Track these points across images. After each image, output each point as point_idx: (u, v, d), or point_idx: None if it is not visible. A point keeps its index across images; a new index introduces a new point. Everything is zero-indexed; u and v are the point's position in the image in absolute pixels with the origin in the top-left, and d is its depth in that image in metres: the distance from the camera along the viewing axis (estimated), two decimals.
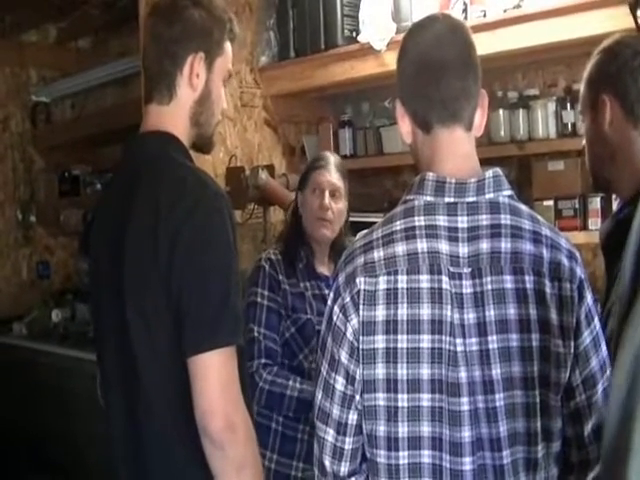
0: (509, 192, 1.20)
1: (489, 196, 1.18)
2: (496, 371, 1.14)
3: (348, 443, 1.19)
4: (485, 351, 1.14)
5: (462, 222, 1.17)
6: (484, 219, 1.17)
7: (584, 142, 1.47)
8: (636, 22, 1.27)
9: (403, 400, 1.15)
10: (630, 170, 1.38)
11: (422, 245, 1.16)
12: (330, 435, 1.20)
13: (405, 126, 1.24)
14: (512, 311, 1.14)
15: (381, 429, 1.16)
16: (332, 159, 2.11)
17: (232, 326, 1.28)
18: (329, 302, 1.22)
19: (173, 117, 1.41)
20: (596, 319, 1.20)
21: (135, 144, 1.45)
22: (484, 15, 2.35)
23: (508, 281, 1.15)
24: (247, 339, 1.65)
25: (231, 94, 2.88)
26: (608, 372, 1.19)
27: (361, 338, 1.16)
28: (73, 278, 4.38)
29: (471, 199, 1.17)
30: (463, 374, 1.13)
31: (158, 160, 1.37)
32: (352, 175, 2.38)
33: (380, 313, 1.15)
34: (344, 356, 1.18)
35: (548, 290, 1.16)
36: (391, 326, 1.15)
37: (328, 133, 3.01)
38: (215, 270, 1.28)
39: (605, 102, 1.37)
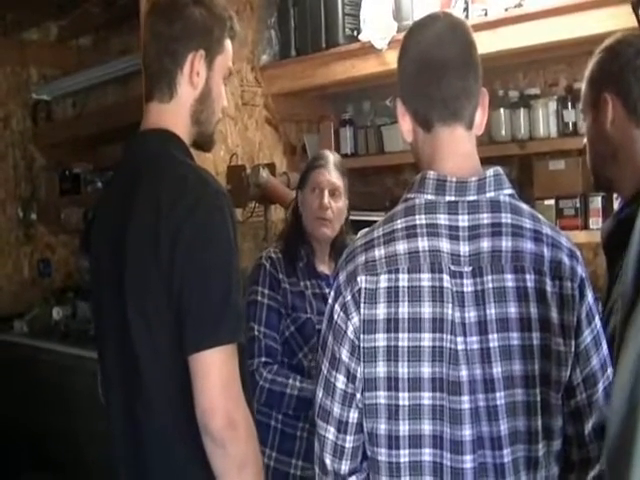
0: (510, 191, 1.20)
1: (490, 195, 1.18)
2: (497, 369, 1.14)
3: (349, 441, 1.19)
4: (486, 349, 1.14)
5: (463, 221, 1.17)
6: (485, 218, 1.17)
7: (585, 141, 1.47)
8: (639, 21, 1.27)
9: (404, 398, 1.15)
10: (632, 169, 1.38)
11: (423, 243, 1.16)
12: (331, 433, 1.20)
13: (406, 125, 1.24)
14: (513, 310, 1.15)
15: (382, 427, 1.16)
16: (331, 158, 2.11)
17: (233, 324, 1.28)
18: (330, 300, 1.22)
19: (174, 115, 1.41)
20: (597, 318, 1.20)
21: (136, 142, 1.45)
22: (485, 14, 2.35)
23: (509, 280, 1.15)
24: (247, 338, 1.65)
25: (232, 93, 2.88)
26: (609, 371, 1.20)
27: (362, 336, 1.16)
28: (74, 276, 4.39)
29: (472, 198, 1.18)
30: (464, 372, 1.14)
31: (159, 158, 1.37)
32: (353, 174, 2.38)
33: (381, 311, 1.15)
34: (345, 354, 1.18)
35: (549, 289, 1.16)
36: (392, 324, 1.15)
37: (329, 132, 3.01)
38: (216, 268, 1.28)
39: (607, 101, 1.37)
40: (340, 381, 1.18)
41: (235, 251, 1.32)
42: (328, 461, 1.21)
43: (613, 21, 1.98)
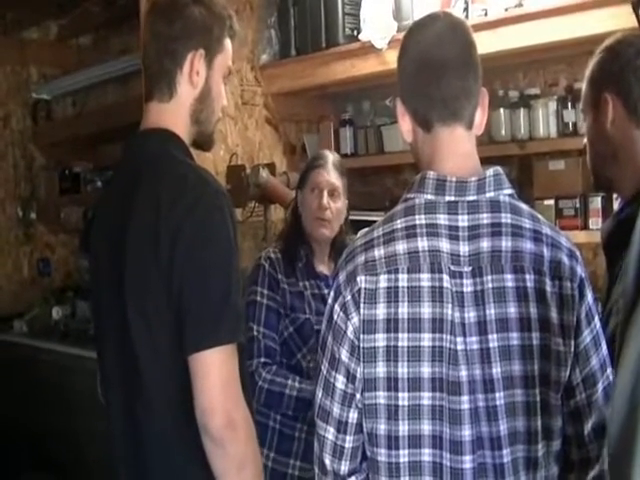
0: (510, 191, 1.20)
1: (490, 195, 1.18)
2: (496, 370, 1.14)
3: (348, 441, 1.19)
4: (485, 350, 1.14)
5: (463, 221, 1.17)
6: (485, 218, 1.17)
7: (585, 141, 1.47)
8: (639, 21, 1.27)
9: (404, 398, 1.15)
10: (632, 169, 1.38)
11: (423, 244, 1.16)
12: (330, 433, 1.20)
13: (406, 125, 1.24)
14: (512, 310, 1.15)
15: (381, 427, 1.16)
16: (330, 158, 2.11)
17: (233, 324, 1.28)
18: (330, 300, 1.22)
19: (173, 115, 1.41)
20: (596, 318, 1.20)
21: (136, 142, 1.45)
22: (485, 14, 2.35)
23: (509, 280, 1.15)
24: (246, 338, 1.65)
25: (232, 92, 2.88)
26: (608, 371, 1.20)
27: (362, 336, 1.16)
28: (74, 275, 4.38)
29: (472, 198, 1.17)
30: (463, 372, 1.14)
31: (159, 158, 1.37)
32: (353, 174, 2.38)
33: (381, 311, 1.15)
34: (345, 354, 1.18)
35: (548, 289, 1.16)
36: (392, 324, 1.15)
37: (329, 132, 3.01)
38: (216, 267, 1.28)
39: (607, 101, 1.37)
40: (340, 381, 1.18)
41: (235, 251, 1.32)
42: (327, 461, 1.21)
43: (613, 21, 1.98)
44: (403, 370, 1.14)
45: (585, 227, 2.30)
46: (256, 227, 2.81)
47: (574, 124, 2.34)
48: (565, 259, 1.18)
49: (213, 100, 1.44)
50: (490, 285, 1.15)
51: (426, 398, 1.14)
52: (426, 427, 1.15)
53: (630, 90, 1.36)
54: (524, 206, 1.21)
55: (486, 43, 2.02)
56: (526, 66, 2.63)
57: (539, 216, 1.22)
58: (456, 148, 1.21)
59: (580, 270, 1.19)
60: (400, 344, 1.14)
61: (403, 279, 1.15)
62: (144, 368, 1.32)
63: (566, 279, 1.17)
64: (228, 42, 1.44)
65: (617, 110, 1.37)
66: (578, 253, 1.21)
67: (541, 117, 2.41)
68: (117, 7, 3.81)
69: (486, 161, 1.23)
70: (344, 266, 1.21)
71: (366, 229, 1.26)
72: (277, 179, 2.70)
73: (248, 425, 1.29)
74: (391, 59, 2.38)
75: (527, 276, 1.15)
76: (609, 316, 1.33)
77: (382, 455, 1.17)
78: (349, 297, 1.18)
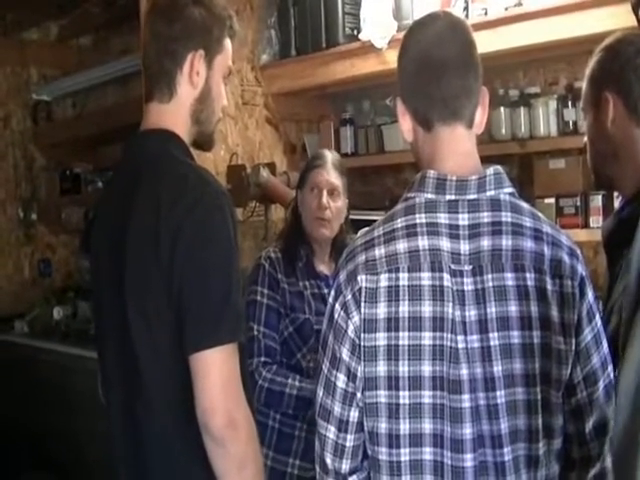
0: (510, 190, 1.20)
1: (490, 193, 1.18)
2: (497, 368, 1.14)
3: (349, 440, 1.19)
4: (486, 348, 1.14)
5: (463, 219, 1.17)
6: (485, 216, 1.17)
7: (586, 140, 1.47)
8: (639, 21, 1.27)
9: (404, 397, 1.15)
10: (633, 168, 1.38)
11: (423, 242, 1.16)
12: (331, 432, 1.20)
13: (406, 124, 1.25)
14: (513, 308, 1.15)
15: (382, 426, 1.16)
16: (330, 157, 2.11)
17: (233, 323, 1.28)
18: (330, 300, 1.22)
19: (174, 115, 1.41)
20: (597, 316, 1.20)
21: (136, 142, 1.45)
22: (485, 13, 2.35)
23: (509, 278, 1.15)
24: (247, 337, 1.65)
25: (232, 92, 2.88)
26: (609, 369, 1.20)
27: (362, 335, 1.16)
28: (74, 276, 4.38)
29: (472, 196, 1.18)
30: (464, 371, 1.14)
31: (159, 158, 1.37)
32: (353, 173, 2.38)
33: (381, 310, 1.15)
34: (345, 353, 1.18)
35: (549, 287, 1.16)
36: (392, 323, 1.15)
37: (329, 131, 3.01)
38: (216, 267, 1.28)
39: (608, 100, 1.37)
40: (341, 380, 1.18)
41: (235, 250, 1.32)
42: (329, 460, 1.21)
43: (613, 20, 1.98)
44: (404, 369, 1.14)
45: (586, 225, 2.30)
46: (256, 227, 2.81)
47: (574, 123, 2.35)
48: (566, 257, 1.18)
49: (213, 100, 1.44)
50: (491, 283, 1.15)
51: (427, 397, 1.14)
52: (427, 425, 1.15)
53: (630, 89, 1.36)
54: (524, 205, 1.21)
55: (486, 42, 2.02)
56: (526, 65, 2.63)
57: (539, 214, 1.23)
58: (456, 147, 1.21)
59: (581, 268, 1.19)
60: (401, 343, 1.14)
61: (404, 278, 1.15)
62: (144, 368, 1.32)
63: (567, 277, 1.17)
64: (228, 42, 1.45)
65: (617, 109, 1.37)
66: (579, 251, 1.21)
67: (541, 116, 2.41)
68: (117, 8, 3.81)
69: (486, 160, 1.23)
70: (345, 265, 1.21)
71: (366, 228, 1.26)
72: (277, 179, 2.70)
73: (249, 424, 1.29)
74: (391, 59, 2.38)
75: (528, 275, 1.15)
76: (610, 314, 1.33)
77: (383, 454, 1.17)
78: (350, 296, 1.18)
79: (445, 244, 1.16)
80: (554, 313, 1.16)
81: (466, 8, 2.40)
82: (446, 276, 1.15)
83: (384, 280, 1.16)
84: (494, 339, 1.14)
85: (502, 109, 2.47)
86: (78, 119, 4.33)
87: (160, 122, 1.41)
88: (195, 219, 1.28)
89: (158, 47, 1.40)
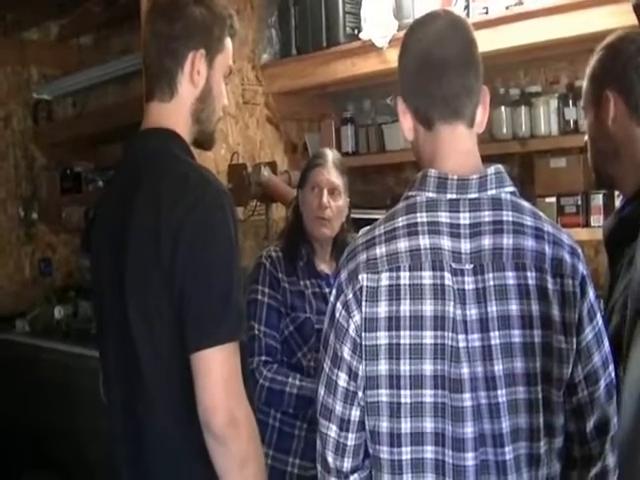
0: (511, 188, 1.20)
1: (491, 192, 1.18)
2: (498, 367, 1.14)
3: (351, 439, 1.20)
4: (487, 347, 1.14)
5: (464, 218, 1.17)
6: (486, 215, 1.17)
7: (586, 139, 1.47)
8: None
9: (406, 396, 1.15)
10: (634, 167, 1.38)
11: (424, 241, 1.16)
12: (333, 431, 1.20)
13: (407, 123, 1.25)
14: (514, 307, 1.15)
15: (384, 425, 1.16)
16: (330, 156, 2.11)
17: (234, 322, 1.29)
18: (331, 299, 1.22)
19: (174, 114, 1.41)
20: (598, 315, 1.20)
21: (137, 141, 1.45)
22: (486, 12, 2.35)
23: (510, 277, 1.15)
24: (247, 336, 1.65)
25: (233, 91, 2.88)
26: (610, 368, 1.20)
27: (364, 334, 1.16)
28: (75, 275, 4.39)
29: (473, 195, 1.18)
30: (465, 370, 1.14)
31: (160, 157, 1.37)
32: (354, 172, 2.38)
33: (382, 309, 1.16)
34: (347, 352, 1.18)
35: (550, 286, 1.16)
36: (394, 322, 1.15)
37: (330, 130, 3.01)
38: (217, 266, 1.28)
39: (609, 98, 1.37)
40: (342, 379, 1.18)
41: (236, 249, 1.32)
42: (330, 459, 1.21)
43: (614, 18, 1.98)
44: (405, 368, 1.14)
45: (587, 224, 2.30)
46: (257, 226, 2.81)
47: (575, 122, 2.35)
48: (567, 257, 1.18)
49: (214, 99, 1.44)
50: (491, 282, 1.15)
51: (428, 395, 1.14)
52: (428, 424, 1.15)
53: (632, 87, 1.36)
54: (525, 203, 1.21)
55: (487, 41, 2.02)
56: (527, 64, 2.63)
57: (540, 213, 1.22)
58: (457, 146, 1.21)
59: (582, 267, 1.19)
60: (402, 342, 1.15)
61: (405, 277, 1.15)
62: (145, 367, 1.32)
63: (568, 277, 1.17)
64: (229, 41, 1.45)
65: (618, 107, 1.36)
66: (580, 250, 1.21)
67: (542, 115, 2.41)
68: (118, 7, 3.80)
69: (487, 159, 1.23)
70: (346, 264, 1.21)
71: (367, 227, 1.26)
72: (278, 178, 2.70)
73: (250, 423, 1.29)
74: (392, 58, 2.38)
75: (528, 274, 1.15)
76: (611, 313, 1.33)
77: (384, 452, 1.17)
78: (351, 295, 1.18)
79: (446, 243, 1.16)
80: (555, 312, 1.16)
81: (467, 7, 2.40)
82: (447, 275, 1.15)
83: (385, 279, 1.16)
84: (495, 338, 1.14)
85: (503, 108, 2.47)
86: (79, 118, 4.33)
87: (161, 121, 1.41)
88: (196, 218, 1.28)
89: (159, 46, 1.40)
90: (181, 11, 1.40)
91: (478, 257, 1.15)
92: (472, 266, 1.15)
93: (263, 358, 1.98)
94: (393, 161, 2.87)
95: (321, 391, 1.22)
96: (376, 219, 1.26)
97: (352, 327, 1.17)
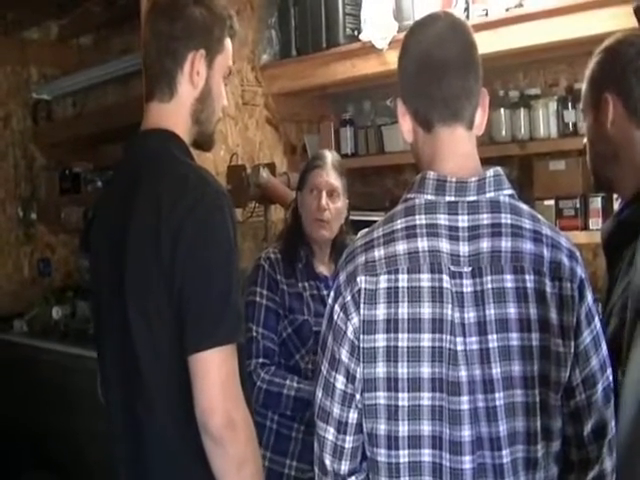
0: (510, 191, 1.20)
1: (490, 195, 1.18)
2: (496, 370, 1.14)
3: (348, 442, 1.19)
4: (485, 350, 1.14)
5: (463, 221, 1.17)
6: (485, 218, 1.17)
7: (585, 141, 1.47)
8: None
9: (403, 399, 1.15)
10: (632, 170, 1.38)
11: (423, 244, 1.16)
12: (330, 434, 1.20)
13: (406, 125, 1.25)
14: (512, 310, 1.14)
15: (381, 428, 1.16)
16: (329, 158, 2.11)
17: (233, 324, 1.28)
18: (330, 301, 1.22)
19: (174, 115, 1.41)
20: (596, 319, 1.20)
21: (136, 142, 1.45)
22: (486, 14, 2.35)
23: (508, 280, 1.15)
24: (245, 338, 1.65)
25: (232, 92, 2.88)
26: (608, 371, 1.20)
27: (362, 337, 1.16)
28: (74, 275, 4.38)
29: (472, 198, 1.17)
30: (463, 373, 1.14)
31: (159, 158, 1.37)
32: (353, 174, 2.38)
33: (381, 312, 1.15)
34: (345, 355, 1.18)
35: (548, 289, 1.16)
36: (392, 325, 1.15)
37: (329, 132, 3.01)
38: (216, 267, 1.28)
39: (608, 101, 1.37)
40: (340, 381, 1.18)
41: (235, 251, 1.32)
42: (328, 461, 1.21)
43: (614, 21, 1.98)
44: (403, 370, 1.14)
45: (585, 227, 2.30)
46: (256, 227, 2.81)
47: (574, 124, 2.34)
48: (565, 260, 1.18)
49: (213, 100, 1.44)
50: (490, 285, 1.15)
51: (426, 398, 1.14)
52: (426, 427, 1.15)
53: (631, 90, 1.35)
54: (524, 206, 1.21)
55: (487, 43, 2.01)
56: (526, 66, 2.63)
57: (539, 216, 1.22)
58: (456, 148, 1.21)
59: (580, 271, 1.19)
60: (400, 344, 1.14)
61: (403, 279, 1.15)
62: (144, 368, 1.32)
63: (566, 280, 1.17)
64: (228, 42, 1.45)
65: (617, 110, 1.36)
66: (578, 254, 1.21)
67: (541, 117, 2.41)
68: (118, 7, 3.81)
69: (486, 161, 1.23)
70: (344, 266, 1.21)
71: (366, 229, 1.25)
72: (277, 179, 2.70)
73: (248, 425, 1.29)
74: (392, 59, 2.37)
75: (527, 277, 1.15)
76: (609, 317, 1.33)
77: (382, 455, 1.17)
78: (349, 297, 1.18)
79: (444, 246, 1.16)
80: (553, 315, 1.16)
81: (467, 9, 2.40)
82: (445, 278, 1.15)
83: (383, 281, 1.16)
84: (493, 341, 1.14)
85: (502, 110, 2.47)
86: (78, 118, 4.33)
87: (160, 122, 1.41)
88: (196, 219, 1.28)
89: (159, 46, 1.41)
90: (181, 11, 1.40)
91: (476, 260, 1.15)
92: (470, 269, 1.15)
93: (261, 360, 1.98)
94: (392, 163, 2.87)
95: (319, 393, 1.22)
96: (375, 221, 1.26)
97: (350, 329, 1.17)
